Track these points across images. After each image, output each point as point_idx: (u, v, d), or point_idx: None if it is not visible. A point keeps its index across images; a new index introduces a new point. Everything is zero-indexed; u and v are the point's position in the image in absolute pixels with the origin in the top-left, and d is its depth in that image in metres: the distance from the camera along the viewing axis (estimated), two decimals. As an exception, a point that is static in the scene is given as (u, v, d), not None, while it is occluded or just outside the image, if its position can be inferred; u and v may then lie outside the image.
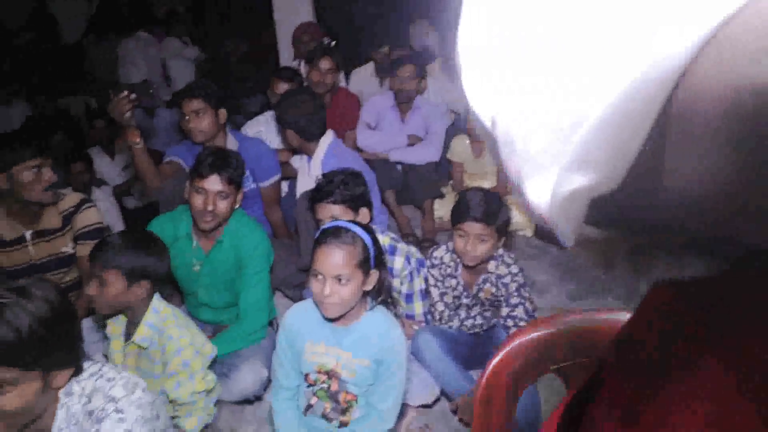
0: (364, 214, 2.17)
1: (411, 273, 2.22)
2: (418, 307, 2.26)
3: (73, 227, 2.38)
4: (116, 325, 1.95)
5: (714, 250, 0.30)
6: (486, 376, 0.92)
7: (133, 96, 2.54)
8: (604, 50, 0.22)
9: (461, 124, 3.58)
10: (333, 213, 2.08)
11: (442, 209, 3.37)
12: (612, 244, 0.29)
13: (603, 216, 0.27)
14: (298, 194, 2.83)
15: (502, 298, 2.14)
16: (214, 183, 2.15)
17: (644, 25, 0.21)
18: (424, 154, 3.50)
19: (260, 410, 2.20)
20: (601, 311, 0.95)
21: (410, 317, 2.26)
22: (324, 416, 1.75)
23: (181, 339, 1.87)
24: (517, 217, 2.99)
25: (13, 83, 5.23)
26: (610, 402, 0.48)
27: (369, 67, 4.36)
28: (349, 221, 1.73)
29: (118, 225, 3.28)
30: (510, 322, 2.09)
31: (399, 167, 3.54)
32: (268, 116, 3.41)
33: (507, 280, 2.11)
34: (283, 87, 3.37)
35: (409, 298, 2.24)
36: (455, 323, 2.24)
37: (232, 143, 2.87)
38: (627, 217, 0.27)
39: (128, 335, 1.91)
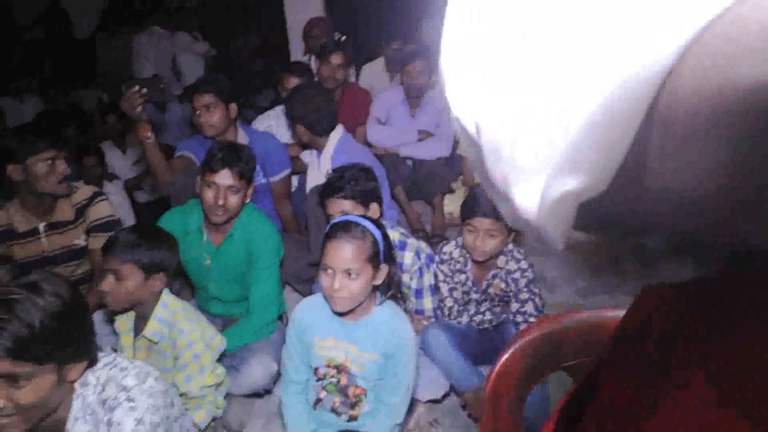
0: (374, 210, 2.17)
1: (421, 268, 2.22)
2: (428, 303, 2.26)
3: (85, 220, 2.40)
4: (125, 321, 1.97)
5: (700, 252, 0.30)
6: (495, 372, 0.92)
7: (145, 90, 2.55)
8: (590, 53, 0.22)
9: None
10: (343, 208, 2.08)
11: (452, 204, 3.36)
12: (599, 249, 0.29)
13: (590, 220, 0.27)
14: (308, 189, 2.83)
15: (511, 294, 2.13)
16: (225, 177, 2.16)
17: (629, 28, 0.21)
18: (434, 149, 3.49)
19: (270, 404, 2.21)
20: (611, 308, 0.95)
21: (420, 313, 2.26)
22: (333, 410, 1.76)
23: (192, 333, 1.88)
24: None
25: (25, 78, 5.27)
26: (609, 401, 0.47)
27: (379, 62, 4.35)
28: (360, 216, 1.73)
29: (129, 219, 3.30)
30: (519, 318, 2.08)
31: (409, 162, 3.53)
32: (279, 111, 3.42)
33: (517, 275, 2.11)
34: (293, 82, 3.37)
35: (418, 293, 2.24)
36: (464, 319, 2.24)
37: (242, 138, 2.88)
38: (614, 220, 0.27)
39: (137, 330, 1.92)
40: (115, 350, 2.05)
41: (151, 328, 1.86)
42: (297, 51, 4.66)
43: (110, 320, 1.94)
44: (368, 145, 3.52)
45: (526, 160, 0.26)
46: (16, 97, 5.17)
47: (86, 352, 1.29)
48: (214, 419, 2.00)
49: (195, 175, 2.35)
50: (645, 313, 0.47)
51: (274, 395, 2.22)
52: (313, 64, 3.92)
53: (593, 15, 0.22)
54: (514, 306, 2.11)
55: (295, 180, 3.24)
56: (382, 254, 1.65)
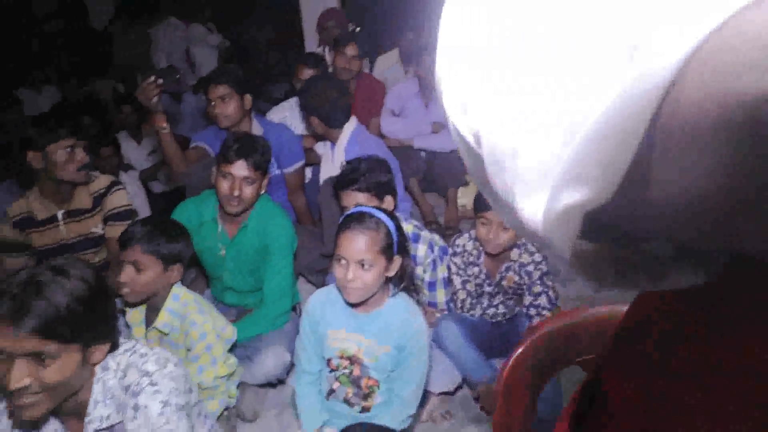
0: (388, 202, 2.17)
1: (434, 261, 2.22)
2: (441, 295, 2.26)
3: (103, 208, 2.43)
4: (137, 313, 1.99)
5: (703, 258, 0.29)
6: (509, 366, 0.92)
7: (160, 81, 2.57)
8: (592, 63, 0.22)
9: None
10: (358, 200, 2.09)
11: (466, 197, 3.35)
12: (603, 258, 0.29)
13: (596, 229, 0.26)
14: (321, 180, 2.84)
15: (525, 287, 2.13)
16: (240, 168, 2.17)
17: (630, 39, 0.21)
18: (449, 141, 3.47)
19: (283, 394, 2.23)
20: (626, 303, 0.94)
21: (433, 305, 2.26)
22: (346, 401, 1.77)
23: (204, 324, 1.90)
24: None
25: (43, 69, 5.32)
26: (610, 401, 0.47)
27: (394, 54, 4.34)
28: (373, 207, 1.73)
29: (144, 209, 3.32)
30: (533, 311, 2.08)
31: (423, 155, 3.52)
32: (293, 102, 3.42)
33: (530, 268, 2.10)
34: (307, 73, 3.38)
35: (431, 286, 2.24)
36: (477, 311, 2.24)
37: (256, 129, 2.89)
38: (619, 228, 0.27)
39: (149, 322, 1.95)
40: (129, 340, 2.08)
41: (162, 320, 1.89)
42: (311, 42, 4.66)
43: (122, 312, 1.97)
44: (382, 136, 3.51)
45: (529, 172, 0.25)
46: (34, 88, 5.22)
47: (110, 335, 1.32)
48: (227, 408, 2.02)
49: (210, 166, 2.37)
50: (645, 313, 0.46)
51: (287, 385, 2.24)
52: (328, 56, 3.92)
53: (593, 25, 0.22)
54: (528, 299, 2.10)
55: (308, 171, 3.24)
56: (396, 246, 1.65)
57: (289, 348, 2.16)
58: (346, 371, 1.75)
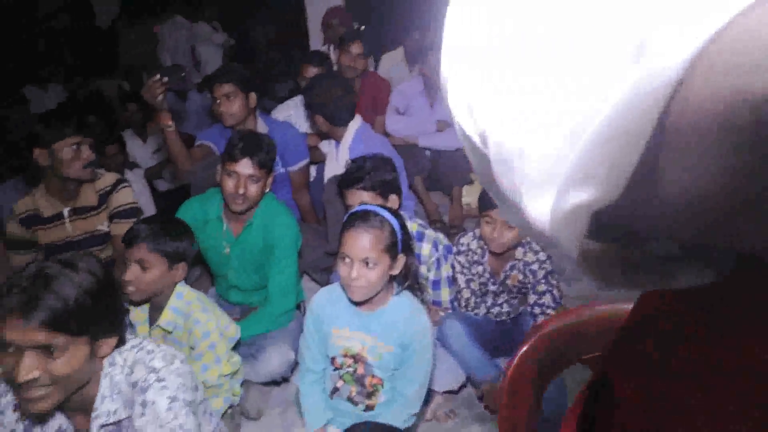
0: (393, 201, 2.17)
1: (438, 260, 2.22)
2: (445, 294, 2.25)
3: (108, 206, 2.44)
4: (140, 312, 1.99)
5: (708, 260, 0.29)
6: (513, 364, 0.92)
7: (166, 79, 2.58)
8: (597, 62, 0.22)
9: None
10: (363, 199, 2.08)
11: (470, 196, 3.35)
12: (610, 257, 0.29)
13: (603, 228, 0.26)
14: (326, 179, 2.84)
15: (529, 286, 2.12)
16: (245, 167, 2.17)
17: (637, 38, 0.21)
18: (453, 140, 3.47)
19: (287, 392, 2.24)
20: (631, 301, 0.94)
21: (437, 304, 2.26)
22: (350, 399, 1.77)
23: (208, 323, 1.90)
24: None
25: (48, 66, 5.34)
26: (614, 401, 0.47)
27: (399, 53, 4.33)
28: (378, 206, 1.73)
29: (149, 207, 3.33)
30: (537, 310, 2.07)
31: (428, 153, 3.52)
32: (298, 101, 3.42)
33: (534, 267, 2.10)
34: (312, 72, 3.38)
35: (436, 284, 2.24)
36: (481, 310, 2.23)
37: (261, 127, 2.89)
38: (627, 227, 0.27)
39: (152, 321, 1.95)
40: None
41: (165, 318, 1.89)
42: (316, 41, 4.66)
43: (125, 311, 1.97)
44: (387, 135, 3.51)
45: (536, 172, 0.25)
46: (40, 86, 5.24)
47: (117, 329, 1.33)
48: (231, 406, 2.02)
49: (215, 164, 2.37)
50: (645, 313, 0.46)
51: (291, 383, 2.24)
52: (333, 54, 3.92)
53: (598, 24, 0.22)
54: (532, 298, 2.10)
55: (313, 170, 3.25)
56: (400, 244, 1.65)
57: (293, 346, 2.17)
58: (350, 369, 1.75)
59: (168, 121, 2.63)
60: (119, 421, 1.29)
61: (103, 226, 2.45)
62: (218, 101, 2.79)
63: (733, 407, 0.36)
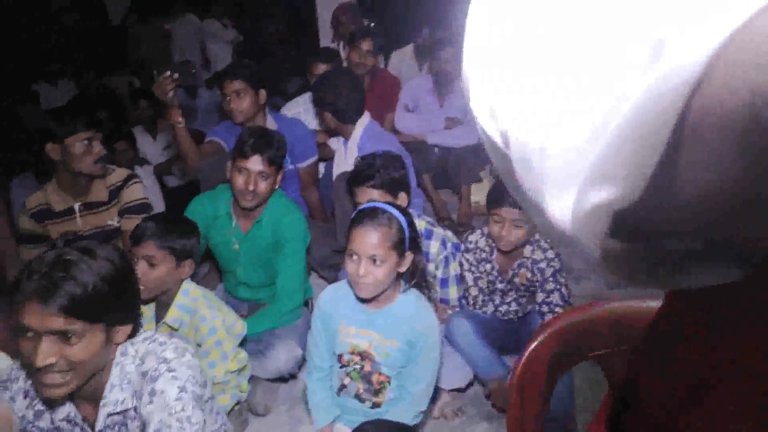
0: (402, 199, 2.16)
1: (446, 258, 2.22)
2: (453, 292, 2.25)
3: (119, 201, 2.46)
4: (146, 309, 2.00)
5: (733, 257, 0.29)
6: (522, 362, 0.92)
7: (176, 75, 2.59)
8: (617, 61, 0.22)
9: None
10: (372, 197, 2.08)
11: (479, 194, 3.34)
12: (633, 256, 0.29)
13: (623, 228, 0.26)
14: (334, 176, 2.84)
15: (537, 284, 2.12)
16: (255, 163, 2.18)
17: (655, 36, 0.21)
18: (462, 137, 3.47)
19: (295, 389, 2.24)
20: (640, 299, 0.94)
21: (445, 302, 2.26)
22: (357, 397, 1.77)
23: (214, 320, 1.91)
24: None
25: (59, 63, 5.37)
26: (645, 402, 0.47)
27: (408, 49, 4.33)
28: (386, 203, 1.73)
29: (158, 203, 3.35)
30: (545, 308, 2.07)
31: (436, 150, 3.52)
32: (307, 98, 3.43)
33: (543, 265, 2.09)
34: (322, 69, 3.38)
35: (444, 282, 2.24)
36: (489, 309, 2.23)
37: (271, 124, 2.90)
38: (648, 226, 0.27)
39: (158, 318, 1.96)
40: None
41: (171, 315, 1.90)
42: (326, 37, 4.67)
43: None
44: (396, 132, 3.51)
45: (557, 171, 0.25)
46: (50, 82, 5.27)
47: (133, 317, 1.35)
48: (238, 403, 2.03)
49: (224, 161, 2.38)
50: (663, 314, 0.46)
51: (299, 380, 2.25)
52: (342, 51, 3.92)
53: (617, 23, 0.22)
54: (540, 296, 2.09)
55: (322, 167, 3.25)
56: (408, 242, 1.65)
57: (300, 343, 2.17)
58: (357, 367, 1.75)
59: (178, 117, 2.65)
60: (125, 411, 1.30)
61: (114, 222, 2.47)
62: (228, 98, 2.79)
63: (733, 407, 0.36)
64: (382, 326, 1.71)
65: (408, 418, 1.70)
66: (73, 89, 5.34)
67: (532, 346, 0.92)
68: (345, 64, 3.67)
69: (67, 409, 1.32)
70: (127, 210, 2.45)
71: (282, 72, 4.46)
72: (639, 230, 0.27)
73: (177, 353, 1.32)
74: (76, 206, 2.41)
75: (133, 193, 2.47)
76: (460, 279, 2.26)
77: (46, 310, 1.14)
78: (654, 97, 0.21)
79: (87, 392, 1.30)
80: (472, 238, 2.24)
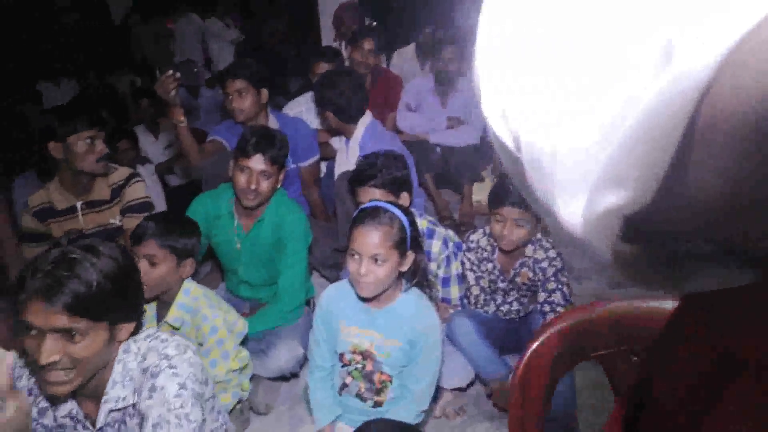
0: (404, 198, 2.16)
1: (448, 257, 2.21)
2: (455, 292, 2.25)
3: (121, 200, 2.46)
4: (147, 308, 2.00)
5: (747, 259, 0.29)
6: (524, 362, 0.92)
7: (178, 75, 2.59)
8: (627, 63, 0.22)
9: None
10: (375, 197, 2.07)
11: (481, 193, 3.34)
12: (645, 260, 0.29)
13: (635, 231, 0.26)
14: (336, 175, 2.84)
15: (539, 283, 2.12)
16: (257, 162, 2.18)
17: (664, 38, 0.21)
18: (464, 136, 3.47)
19: (296, 388, 2.24)
20: (642, 299, 0.94)
21: (446, 301, 2.26)
22: (359, 396, 1.77)
23: (215, 319, 1.91)
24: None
25: (61, 62, 5.37)
26: (660, 403, 0.47)
27: (410, 49, 4.33)
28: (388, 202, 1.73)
29: (160, 202, 3.35)
30: (547, 308, 2.07)
31: (438, 150, 3.52)
32: (309, 97, 3.43)
33: (544, 264, 2.09)
34: (324, 68, 3.38)
35: (445, 282, 2.24)
36: (491, 308, 2.23)
37: (273, 123, 2.90)
38: (659, 230, 0.26)
39: (160, 317, 1.97)
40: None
41: (173, 315, 1.90)
42: (328, 37, 4.67)
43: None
44: (398, 131, 3.51)
45: (567, 174, 0.26)
46: (53, 81, 5.27)
47: (135, 315, 1.35)
48: (239, 401, 2.03)
49: (226, 160, 2.38)
50: (676, 314, 0.46)
51: (300, 379, 2.25)
52: (344, 51, 3.92)
53: (627, 25, 0.22)
54: (542, 295, 2.09)
55: (323, 166, 3.25)
56: (409, 241, 1.65)
57: (302, 342, 2.17)
58: (359, 366, 1.75)
59: (180, 116, 2.66)
60: (125, 408, 1.30)
61: (116, 220, 2.47)
62: (230, 97, 2.80)
63: (733, 407, 0.36)
64: (383, 325, 1.71)
65: (410, 417, 1.70)
66: (75, 88, 5.34)
67: (534, 345, 0.92)
68: (347, 64, 3.67)
69: (69, 406, 1.33)
70: (129, 209, 2.46)
71: (284, 71, 4.46)
72: (650, 233, 0.27)
73: (179, 350, 1.33)
74: (79, 205, 2.41)
75: (135, 192, 2.48)
76: (462, 278, 2.26)
77: (50, 308, 1.15)
78: (665, 100, 0.21)
79: (89, 389, 1.30)
80: (473, 237, 2.24)
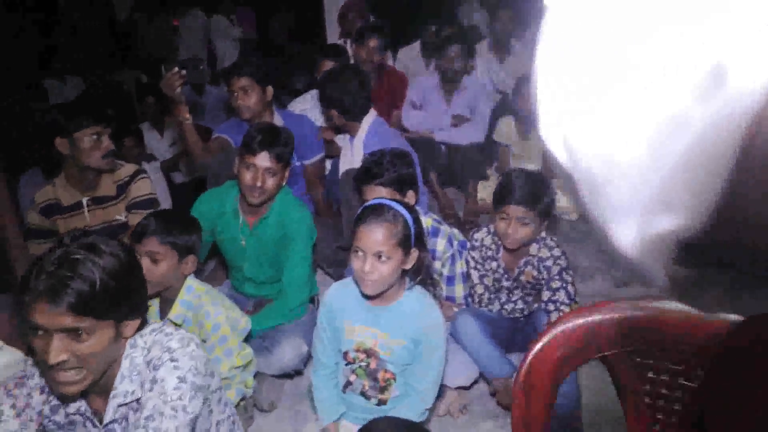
0: (410, 197, 2.15)
1: (453, 255, 2.21)
2: (459, 290, 2.25)
3: (127, 196, 2.47)
4: (150, 305, 2.01)
5: None
6: (528, 361, 0.92)
7: (184, 72, 2.59)
8: (678, 87, 0.22)
9: (508, 104, 3.52)
10: (380, 195, 2.07)
11: (485, 191, 3.33)
12: (702, 282, 0.28)
13: (690, 254, 0.26)
14: (340, 173, 2.84)
15: (543, 282, 2.11)
16: (263, 159, 2.18)
17: (715, 60, 0.21)
18: (468, 135, 3.47)
19: (300, 385, 2.25)
20: (647, 299, 0.93)
21: (451, 300, 2.26)
22: (363, 394, 1.77)
23: (218, 316, 1.92)
24: (561, 201, 2.94)
25: (67, 59, 5.38)
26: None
27: (415, 46, 4.32)
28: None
29: (165, 199, 3.36)
30: (551, 307, 2.06)
31: (443, 148, 3.51)
32: (313, 94, 3.43)
33: (549, 263, 2.09)
34: (329, 65, 3.38)
35: (450, 280, 2.24)
36: (495, 307, 2.23)
37: (277, 121, 2.90)
38: (715, 253, 0.26)
39: (162, 314, 1.97)
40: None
41: (175, 312, 1.91)
42: (333, 34, 4.66)
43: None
44: (403, 129, 3.50)
45: (620, 198, 0.26)
46: (58, 78, 5.29)
47: (140, 311, 1.36)
48: (243, 398, 2.03)
49: (231, 157, 2.38)
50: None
51: (304, 377, 2.26)
52: (349, 48, 3.91)
53: (678, 45, 0.22)
54: (546, 294, 2.09)
55: (328, 164, 3.25)
56: (413, 238, 1.65)
57: (306, 339, 2.18)
58: (363, 364, 1.75)
59: (185, 113, 2.66)
60: (131, 402, 1.31)
61: (121, 216, 2.48)
62: (235, 94, 2.80)
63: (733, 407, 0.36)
64: (387, 324, 1.71)
65: (414, 415, 1.70)
66: (80, 85, 5.36)
67: (538, 345, 0.92)
68: (352, 61, 3.66)
69: (78, 403, 1.34)
70: (134, 205, 2.47)
71: (289, 69, 4.46)
72: (706, 257, 0.27)
73: (182, 343, 1.33)
74: (84, 201, 2.42)
75: (140, 189, 2.49)
76: (466, 277, 2.26)
77: (55, 309, 1.15)
78: (716, 123, 0.21)
79: (99, 386, 1.31)
80: (478, 235, 2.24)
